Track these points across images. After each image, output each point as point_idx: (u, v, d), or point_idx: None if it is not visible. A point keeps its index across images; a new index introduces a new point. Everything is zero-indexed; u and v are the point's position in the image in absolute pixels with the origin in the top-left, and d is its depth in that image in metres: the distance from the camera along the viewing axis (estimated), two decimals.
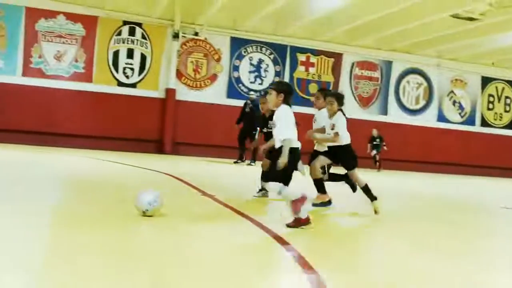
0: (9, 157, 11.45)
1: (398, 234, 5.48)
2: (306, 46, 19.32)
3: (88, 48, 17.00)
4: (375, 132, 18.44)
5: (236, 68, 18.52)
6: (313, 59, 19.54)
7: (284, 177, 4.98)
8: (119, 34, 17.34)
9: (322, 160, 6.44)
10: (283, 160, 4.86)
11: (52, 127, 16.32)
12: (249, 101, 14.99)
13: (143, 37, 17.55)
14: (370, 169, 17.11)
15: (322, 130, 6.50)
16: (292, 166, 5.01)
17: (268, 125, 7.54)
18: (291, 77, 19.12)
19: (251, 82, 18.74)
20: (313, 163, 6.43)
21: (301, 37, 19.03)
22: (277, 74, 18.96)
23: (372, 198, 6.25)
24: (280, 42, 18.97)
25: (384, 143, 18.35)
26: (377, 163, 18.20)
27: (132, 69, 17.41)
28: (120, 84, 17.22)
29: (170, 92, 17.45)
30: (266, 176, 5.23)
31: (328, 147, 6.47)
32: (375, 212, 6.20)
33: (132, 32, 17.43)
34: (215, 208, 6.12)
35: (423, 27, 17.09)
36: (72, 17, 16.79)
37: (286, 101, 5.06)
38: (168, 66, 17.58)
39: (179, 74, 17.80)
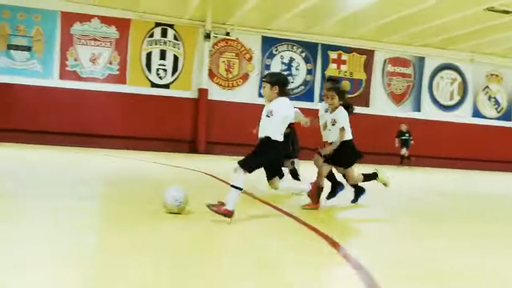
0: (50, 158, 11.73)
1: (463, 235, 5.38)
2: (338, 43, 19.23)
3: (121, 50, 17.28)
4: (403, 127, 18.16)
5: (267, 67, 18.55)
6: (344, 57, 19.43)
7: (273, 171, 4.98)
8: (152, 35, 17.56)
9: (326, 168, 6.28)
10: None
11: (88, 128, 16.63)
12: None
13: (175, 38, 17.74)
14: (396, 166, 17.01)
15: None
16: (277, 160, 5.02)
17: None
18: (323, 75, 19.05)
19: None
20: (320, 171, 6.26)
21: (332, 35, 18.94)
22: (309, 72, 18.92)
23: (359, 195, 6.47)
24: (311, 40, 18.93)
25: (411, 138, 18.07)
26: (406, 160, 17.94)
27: (165, 70, 17.61)
28: (154, 85, 17.44)
29: (202, 92, 17.59)
30: (246, 163, 4.76)
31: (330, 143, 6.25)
32: (352, 201, 6.48)
33: (164, 34, 17.64)
34: (255, 206, 6.16)
35: (456, 21, 16.79)
36: (106, 20, 17.08)
37: (282, 92, 4.93)
38: (200, 66, 17.73)
39: (211, 74, 17.94)
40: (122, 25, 17.22)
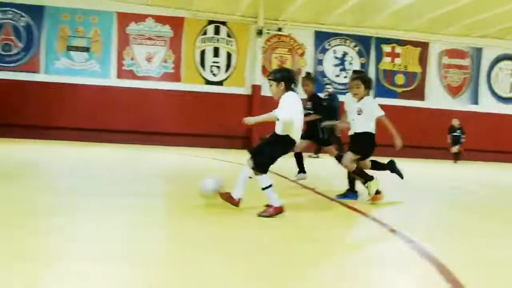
0: (109, 155, 12.00)
1: None
2: (391, 36, 18.90)
3: (176, 49, 17.52)
4: (455, 122, 17.56)
5: (320, 62, 18.42)
6: (398, 50, 19.07)
7: (266, 161, 4.77)
8: (205, 33, 17.73)
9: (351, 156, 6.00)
10: (252, 119, 4.91)
11: (145, 126, 16.95)
12: (326, 94, 14.83)
13: (228, 35, 17.85)
14: (450, 161, 16.64)
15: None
16: (279, 151, 4.84)
17: (306, 106, 7.45)
18: (377, 69, 18.78)
19: (336, 76, 18.57)
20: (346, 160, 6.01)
21: (386, 28, 18.62)
22: (362, 66, 18.65)
23: (366, 177, 5.92)
24: (364, 34, 18.67)
25: (464, 136, 17.42)
26: (457, 154, 17.38)
27: (218, 67, 17.76)
28: (208, 82, 17.61)
29: (256, 88, 17.63)
30: (260, 163, 4.78)
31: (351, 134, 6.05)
32: (338, 195, 6.07)
33: (217, 31, 17.78)
34: (317, 200, 6.13)
35: None
36: (160, 19, 17.36)
37: (289, 88, 4.86)
38: (253, 62, 17.78)
39: (264, 70, 17.90)
40: (176, 23, 17.45)
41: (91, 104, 16.73)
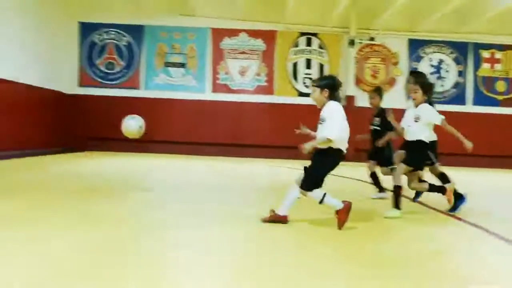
0: (211, 168, 12.31)
1: None
2: (490, 41, 18.07)
3: (268, 62, 17.74)
4: None
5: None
6: (498, 55, 18.21)
7: (316, 179, 4.70)
8: (296, 45, 17.83)
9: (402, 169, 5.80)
10: (307, 146, 4.68)
11: (239, 138, 17.27)
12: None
13: (320, 46, 17.84)
14: None
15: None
16: (328, 168, 4.70)
17: (373, 122, 7.24)
18: (475, 75, 18.04)
19: None
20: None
21: (484, 33, 17.84)
22: (460, 73, 18.00)
23: (397, 206, 5.63)
24: (461, 40, 18.01)
25: None
26: None
27: (311, 78, 17.76)
28: (301, 94, 17.66)
29: (349, 99, 17.46)
30: (307, 185, 4.76)
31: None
32: (386, 217, 5.59)
33: (309, 43, 17.83)
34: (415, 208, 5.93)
35: None
36: (253, 33, 17.66)
37: (333, 97, 4.72)
38: (346, 73, 17.64)
39: (357, 81, 17.80)
40: (269, 37, 17.69)
41: (187, 118, 17.29)
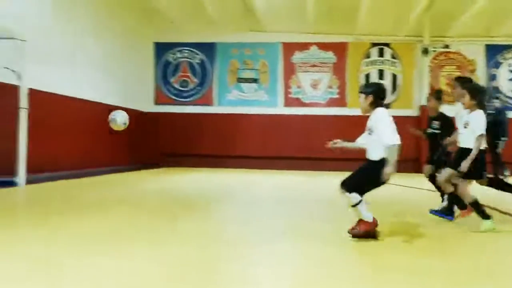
0: (285, 181, 12.32)
1: None
2: None
3: (340, 74, 17.66)
4: None
5: (494, 77, 17.34)
6: None
7: (360, 184, 4.59)
8: (368, 56, 17.65)
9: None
10: (388, 170, 4.45)
11: (312, 152, 17.19)
12: (492, 109, 13.79)
13: (393, 56, 17.59)
14: None
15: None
16: (377, 177, 4.52)
17: (431, 125, 6.92)
18: None
19: (511, 91, 17.35)
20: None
21: None
22: None
23: (485, 216, 5.27)
24: None
25: None
26: None
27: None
28: None
29: (424, 109, 17.05)
30: (348, 184, 4.64)
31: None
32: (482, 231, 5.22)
33: (381, 53, 17.61)
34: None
35: None
36: (323, 46, 17.65)
37: (378, 103, 4.64)
38: (420, 83, 17.29)
39: (432, 90, 17.34)
40: (339, 49, 17.62)
41: (260, 133, 17.44)
